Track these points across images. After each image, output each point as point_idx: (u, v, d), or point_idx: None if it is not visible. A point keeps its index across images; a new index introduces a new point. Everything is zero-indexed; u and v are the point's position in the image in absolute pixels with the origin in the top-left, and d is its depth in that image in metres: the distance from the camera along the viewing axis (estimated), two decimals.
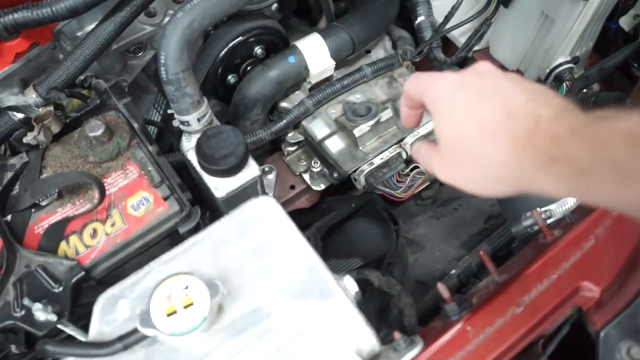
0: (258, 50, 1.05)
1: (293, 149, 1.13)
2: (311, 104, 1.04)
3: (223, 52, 1.01)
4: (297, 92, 1.09)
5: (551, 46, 0.95)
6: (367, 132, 1.01)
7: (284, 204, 1.12)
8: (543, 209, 0.78)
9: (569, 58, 0.96)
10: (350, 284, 0.66)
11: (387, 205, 1.08)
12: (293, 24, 1.28)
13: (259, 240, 0.65)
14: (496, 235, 0.92)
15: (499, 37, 1.06)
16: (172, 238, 0.72)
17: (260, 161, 1.17)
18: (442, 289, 0.63)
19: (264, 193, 0.80)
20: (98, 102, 0.76)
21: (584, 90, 0.92)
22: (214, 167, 0.70)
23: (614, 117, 0.41)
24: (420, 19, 1.11)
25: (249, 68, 1.07)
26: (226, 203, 0.74)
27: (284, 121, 1.03)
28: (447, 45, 1.15)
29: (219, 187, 0.73)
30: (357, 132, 1.00)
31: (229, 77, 1.06)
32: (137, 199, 0.70)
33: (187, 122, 0.76)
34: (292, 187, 1.12)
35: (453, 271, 0.88)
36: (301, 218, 1.16)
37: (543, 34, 0.95)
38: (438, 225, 1.05)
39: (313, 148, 1.08)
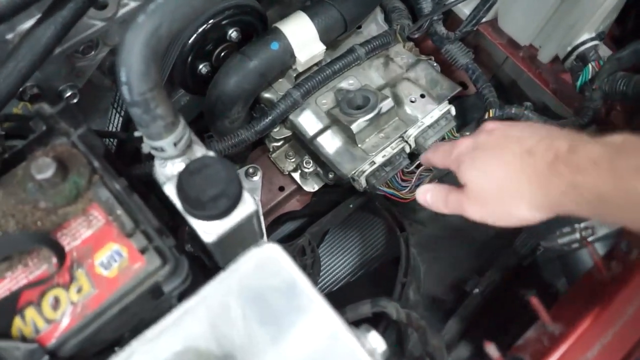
0: (232, 33, 0.89)
1: (279, 144, 0.99)
2: (299, 96, 0.89)
3: (192, 38, 0.85)
4: (281, 80, 0.94)
5: (576, 22, 0.82)
6: (366, 127, 0.88)
7: (273, 208, 1.00)
8: (583, 224, 0.68)
9: (593, 34, 0.84)
10: (376, 341, 0.55)
11: (389, 204, 0.97)
12: None
13: (266, 301, 0.53)
14: (520, 243, 0.82)
15: (510, 8, 0.93)
16: (153, 292, 0.59)
17: (241, 157, 1.03)
18: (492, 350, 0.52)
19: (260, 229, 0.67)
20: (44, 128, 0.60)
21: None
22: (202, 212, 0.56)
23: (630, 152, 0.46)
24: None
25: (222, 54, 0.91)
26: (217, 246, 0.61)
27: (270, 118, 0.89)
28: (449, 17, 1.01)
29: (209, 230, 0.59)
30: (354, 127, 0.87)
31: (200, 66, 0.90)
32: (107, 254, 0.56)
33: (161, 147, 0.61)
34: (281, 189, 1.00)
35: (476, 290, 0.78)
36: (292, 222, 1.05)
37: (567, 7, 0.82)
38: (447, 225, 0.95)
39: (304, 145, 0.94)
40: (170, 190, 0.61)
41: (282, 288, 0.53)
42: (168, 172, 0.64)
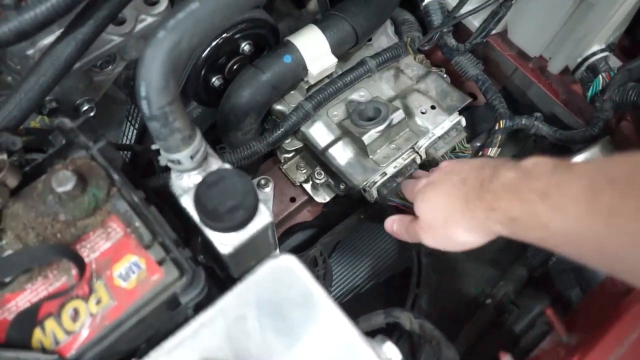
0: (245, 46, 0.90)
1: (290, 155, 1.00)
2: (311, 108, 0.90)
3: (205, 52, 0.86)
4: (293, 92, 0.95)
5: (587, 34, 0.83)
6: (377, 138, 0.89)
7: (285, 219, 1.00)
8: None
9: (604, 46, 0.85)
10: (391, 351, 0.56)
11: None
12: (277, 7, 1.13)
13: (283, 312, 0.53)
14: (532, 253, 0.83)
15: (520, 20, 0.93)
16: (170, 303, 0.60)
17: (253, 169, 1.04)
18: None
19: (274, 239, 0.68)
20: (64, 142, 0.61)
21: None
22: (219, 224, 0.57)
23: (536, 176, 0.51)
24: (427, 0, 0.97)
25: (235, 67, 0.92)
26: (232, 257, 0.62)
27: (282, 130, 0.89)
28: (458, 28, 1.02)
29: (225, 241, 0.60)
30: (366, 139, 0.88)
31: (213, 79, 0.91)
32: (126, 266, 0.57)
33: (178, 160, 0.62)
34: (293, 200, 1.00)
35: (488, 301, 0.78)
36: (304, 232, 1.05)
37: (577, 19, 0.83)
38: None
39: (315, 156, 0.95)
40: (187, 203, 0.62)
41: (298, 299, 0.54)
42: (184, 184, 0.65)
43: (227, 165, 0.64)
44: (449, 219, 0.62)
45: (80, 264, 0.54)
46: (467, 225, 0.60)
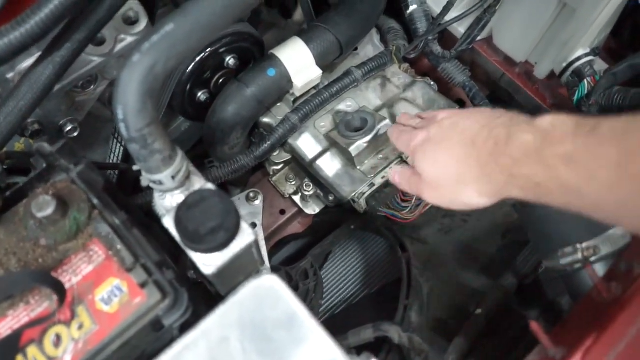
0: (230, 60, 0.89)
1: (279, 167, 0.99)
2: (297, 120, 0.90)
3: (190, 67, 0.86)
4: (279, 104, 0.95)
5: (570, 38, 0.83)
6: (365, 149, 0.88)
7: (275, 231, 1.00)
8: (585, 244, 0.67)
9: (588, 50, 0.85)
10: None
11: (390, 224, 0.97)
12: (263, 18, 1.12)
13: (266, 333, 0.53)
14: (522, 261, 0.82)
15: (505, 26, 0.93)
16: (154, 325, 0.60)
17: (242, 181, 1.04)
18: None
19: (259, 256, 0.67)
20: (45, 166, 0.61)
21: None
22: (200, 245, 0.57)
23: (556, 139, 0.48)
24: (412, 7, 0.98)
25: (221, 81, 0.92)
26: (217, 276, 0.61)
27: (268, 143, 0.89)
28: (444, 35, 1.02)
29: (207, 262, 0.59)
30: (353, 150, 0.88)
31: (199, 93, 0.91)
32: (108, 289, 0.57)
33: (159, 181, 0.61)
34: (282, 212, 1.00)
35: (478, 310, 0.78)
36: (295, 242, 1.05)
37: (560, 24, 0.83)
38: (449, 242, 0.94)
39: (303, 168, 0.95)
40: (169, 223, 0.61)
41: (282, 319, 0.54)
42: (167, 204, 0.65)
43: (210, 185, 0.64)
44: (460, 181, 0.59)
45: (60, 291, 0.53)
46: (481, 189, 0.57)
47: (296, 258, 1.02)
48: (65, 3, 0.53)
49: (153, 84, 0.55)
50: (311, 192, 0.96)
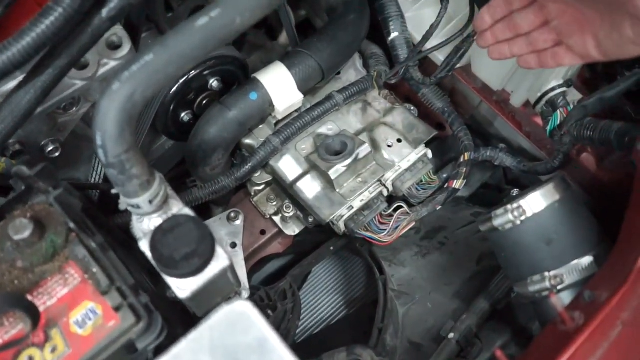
0: (214, 82, 0.91)
1: (260, 188, 1.01)
2: (278, 142, 0.92)
3: (174, 88, 0.87)
4: (261, 126, 0.96)
5: (543, 70, 0.85)
6: (344, 172, 0.90)
7: (256, 251, 1.01)
8: (553, 272, 0.70)
9: (561, 81, 0.87)
10: None
11: (370, 245, 0.98)
12: (250, 38, 1.14)
13: (237, 358, 0.54)
14: (494, 287, 0.84)
15: (482, 56, 0.95)
16: (128, 349, 0.60)
17: (224, 200, 1.05)
18: None
19: (236, 278, 0.68)
20: (23, 188, 0.61)
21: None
22: (175, 270, 0.58)
23: None
24: (393, 35, 1.00)
25: (204, 103, 0.93)
26: (192, 300, 0.62)
27: (249, 165, 0.91)
28: (425, 61, 1.04)
29: (182, 286, 0.61)
30: (332, 173, 0.89)
31: (183, 114, 0.93)
32: (82, 312, 0.58)
33: (137, 205, 0.63)
34: (263, 233, 1.01)
35: (451, 335, 0.79)
36: (275, 262, 1.06)
37: None
38: (426, 265, 0.96)
39: (284, 190, 0.96)
40: (145, 247, 0.62)
41: (253, 345, 0.55)
42: (145, 227, 0.66)
43: (187, 210, 0.65)
44: None
45: (34, 314, 0.54)
46: None
47: (277, 277, 1.03)
48: (47, 32, 0.55)
49: (131, 111, 0.56)
50: (291, 214, 0.97)
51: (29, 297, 0.58)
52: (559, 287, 0.68)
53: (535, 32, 0.71)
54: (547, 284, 0.69)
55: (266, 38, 1.18)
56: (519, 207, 0.71)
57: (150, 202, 0.63)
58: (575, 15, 0.65)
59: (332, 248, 1.01)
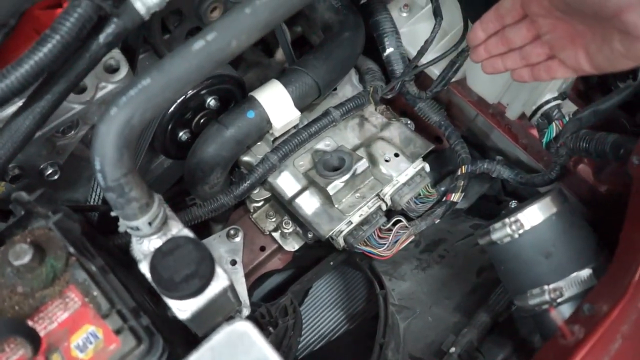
0: (211, 101, 0.92)
1: (259, 204, 1.01)
2: (276, 159, 0.92)
3: (172, 108, 0.88)
4: (259, 143, 0.97)
5: (538, 84, 0.86)
6: (342, 188, 0.91)
7: (256, 268, 1.01)
8: (552, 285, 0.70)
9: (556, 94, 0.88)
10: None
11: (369, 261, 0.98)
12: (246, 56, 1.16)
13: None
14: (494, 300, 0.84)
15: (476, 70, 0.96)
16: None
17: (224, 217, 1.05)
18: None
19: (236, 297, 0.69)
20: (23, 213, 0.62)
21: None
22: (174, 292, 0.58)
23: None
24: (389, 50, 1.01)
25: (202, 121, 0.94)
26: (192, 321, 0.63)
27: (248, 182, 0.91)
28: (421, 75, 1.05)
29: (182, 307, 0.61)
30: (330, 189, 0.90)
31: (180, 133, 0.93)
32: (83, 336, 0.58)
33: (136, 227, 0.63)
34: (262, 249, 1.01)
35: (452, 349, 0.79)
36: (276, 277, 1.06)
37: None
38: (426, 279, 0.96)
39: (283, 206, 0.97)
40: (145, 269, 0.63)
41: None
42: (145, 249, 0.66)
43: (186, 231, 0.65)
44: None
45: (35, 340, 0.54)
46: None
47: (278, 292, 1.03)
48: (44, 59, 0.55)
49: (130, 135, 0.56)
50: (291, 230, 0.98)
51: (30, 322, 0.58)
52: (558, 300, 0.68)
53: (528, 46, 0.71)
54: (546, 297, 0.69)
55: (263, 55, 1.19)
56: (517, 220, 0.72)
57: (150, 224, 0.63)
58: (567, 29, 0.65)
59: (332, 263, 1.01)
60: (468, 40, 0.78)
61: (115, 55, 0.72)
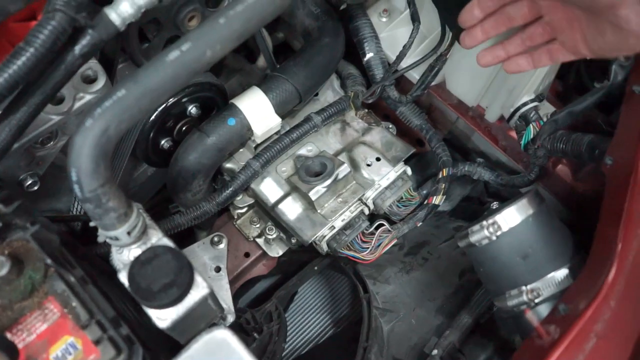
0: (192, 109, 0.92)
1: (243, 211, 1.01)
2: (259, 166, 0.93)
3: (153, 116, 0.88)
4: (241, 150, 0.97)
5: (515, 86, 0.87)
6: (324, 193, 0.91)
7: (240, 274, 1.01)
8: (530, 286, 0.71)
9: (533, 96, 0.89)
10: None
11: (354, 264, 0.99)
12: (228, 62, 1.16)
13: None
14: (476, 301, 0.85)
15: (455, 73, 0.98)
16: None
17: (208, 224, 1.05)
18: None
19: (217, 305, 0.69)
20: (0, 225, 0.62)
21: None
22: (153, 302, 0.58)
23: None
24: (369, 55, 1.02)
25: (183, 129, 0.94)
26: (172, 329, 0.63)
27: (230, 189, 0.91)
28: (401, 80, 1.06)
29: (162, 316, 0.61)
30: (313, 194, 0.90)
31: (162, 141, 0.94)
32: (62, 347, 0.58)
33: (115, 237, 0.63)
34: (247, 255, 1.02)
35: (434, 352, 0.80)
36: (262, 283, 1.06)
37: (505, 73, 0.87)
38: (410, 281, 0.97)
39: (266, 212, 0.97)
40: (124, 278, 0.63)
41: None
42: (124, 258, 0.66)
43: (165, 240, 0.65)
44: None
45: (13, 352, 0.54)
46: None
47: (264, 298, 1.03)
48: (18, 72, 0.56)
49: (106, 146, 0.57)
50: (274, 235, 0.98)
51: (8, 334, 0.58)
52: (536, 301, 0.69)
53: (530, 27, 0.70)
54: (524, 297, 0.70)
55: (245, 61, 1.19)
56: (494, 222, 0.73)
57: (129, 233, 0.63)
58: (566, 12, 0.65)
59: (316, 267, 1.02)
60: (461, 21, 0.73)
61: (93, 66, 0.72)
